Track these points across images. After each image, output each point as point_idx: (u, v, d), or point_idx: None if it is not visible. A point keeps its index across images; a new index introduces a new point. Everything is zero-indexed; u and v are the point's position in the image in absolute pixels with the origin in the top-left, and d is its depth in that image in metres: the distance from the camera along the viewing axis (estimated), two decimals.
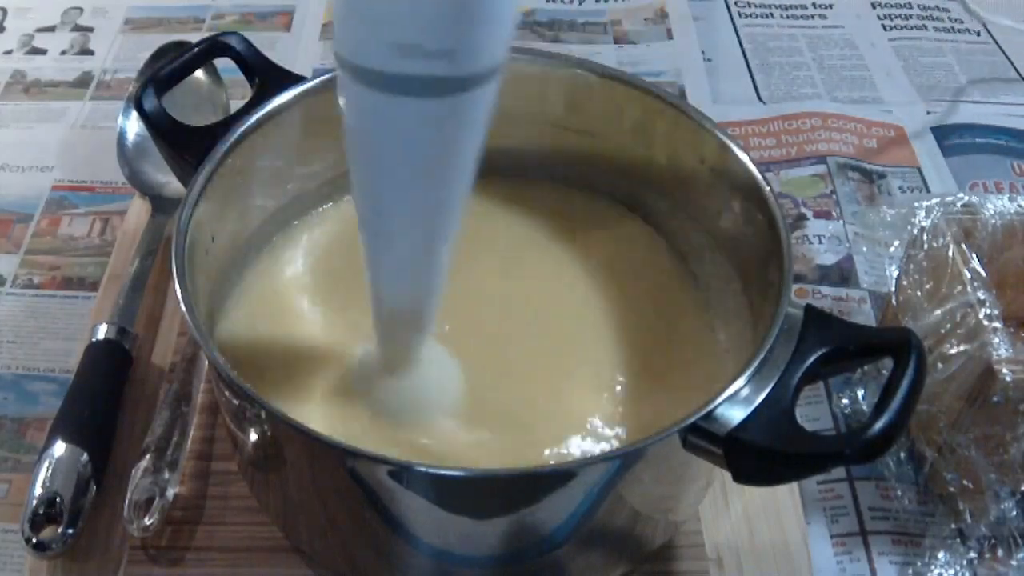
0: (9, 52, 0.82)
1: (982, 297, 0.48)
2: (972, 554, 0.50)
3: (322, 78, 0.51)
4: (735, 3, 0.88)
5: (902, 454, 0.53)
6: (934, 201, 0.53)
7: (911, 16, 0.87)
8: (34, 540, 0.46)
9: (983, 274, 0.49)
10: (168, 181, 0.63)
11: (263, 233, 0.53)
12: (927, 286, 0.51)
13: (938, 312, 0.49)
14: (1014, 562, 0.50)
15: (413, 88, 0.32)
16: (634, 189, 0.55)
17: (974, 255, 0.50)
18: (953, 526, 0.50)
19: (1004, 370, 0.45)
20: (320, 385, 0.48)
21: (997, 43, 0.84)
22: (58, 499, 0.47)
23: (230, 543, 0.49)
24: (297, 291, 0.52)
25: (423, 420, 0.46)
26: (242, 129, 0.48)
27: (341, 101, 0.35)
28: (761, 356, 0.39)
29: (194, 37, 0.72)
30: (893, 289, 0.55)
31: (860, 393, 0.56)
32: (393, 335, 0.44)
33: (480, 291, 0.51)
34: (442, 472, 0.36)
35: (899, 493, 0.52)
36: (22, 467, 0.53)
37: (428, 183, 0.37)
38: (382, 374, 0.46)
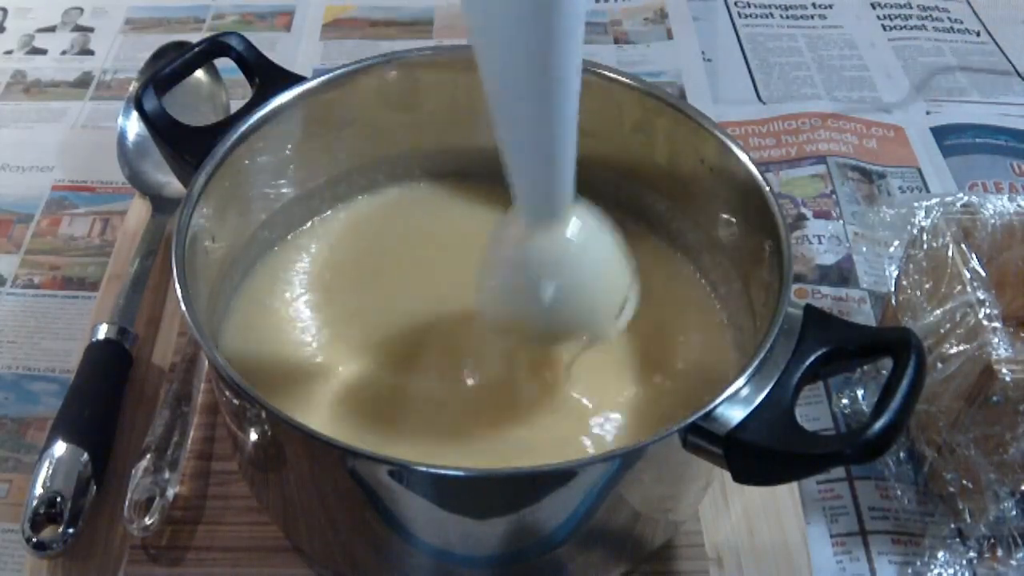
0: (9, 52, 0.82)
1: (982, 297, 0.48)
2: (972, 554, 0.50)
3: (322, 78, 0.51)
4: (735, 3, 0.88)
5: (902, 454, 0.53)
6: (934, 201, 0.53)
7: (911, 16, 0.87)
8: (34, 540, 0.46)
9: (983, 274, 0.49)
10: (168, 181, 0.63)
11: (264, 234, 0.53)
12: (927, 286, 0.51)
13: (938, 312, 0.49)
14: (1014, 562, 0.50)
15: None
16: (634, 189, 0.55)
17: (974, 255, 0.50)
18: (953, 526, 0.50)
19: (1004, 370, 0.45)
20: (321, 387, 0.48)
21: (997, 43, 0.84)
22: (58, 499, 0.47)
23: (230, 543, 0.49)
24: (298, 293, 0.52)
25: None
26: (242, 129, 0.48)
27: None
28: (761, 356, 0.39)
29: (194, 37, 0.72)
30: (893, 289, 0.55)
31: (860, 393, 0.56)
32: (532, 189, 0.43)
33: None
34: (442, 472, 0.36)
35: (899, 493, 0.52)
36: (22, 467, 0.53)
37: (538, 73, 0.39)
38: (525, 231, 0.43)
